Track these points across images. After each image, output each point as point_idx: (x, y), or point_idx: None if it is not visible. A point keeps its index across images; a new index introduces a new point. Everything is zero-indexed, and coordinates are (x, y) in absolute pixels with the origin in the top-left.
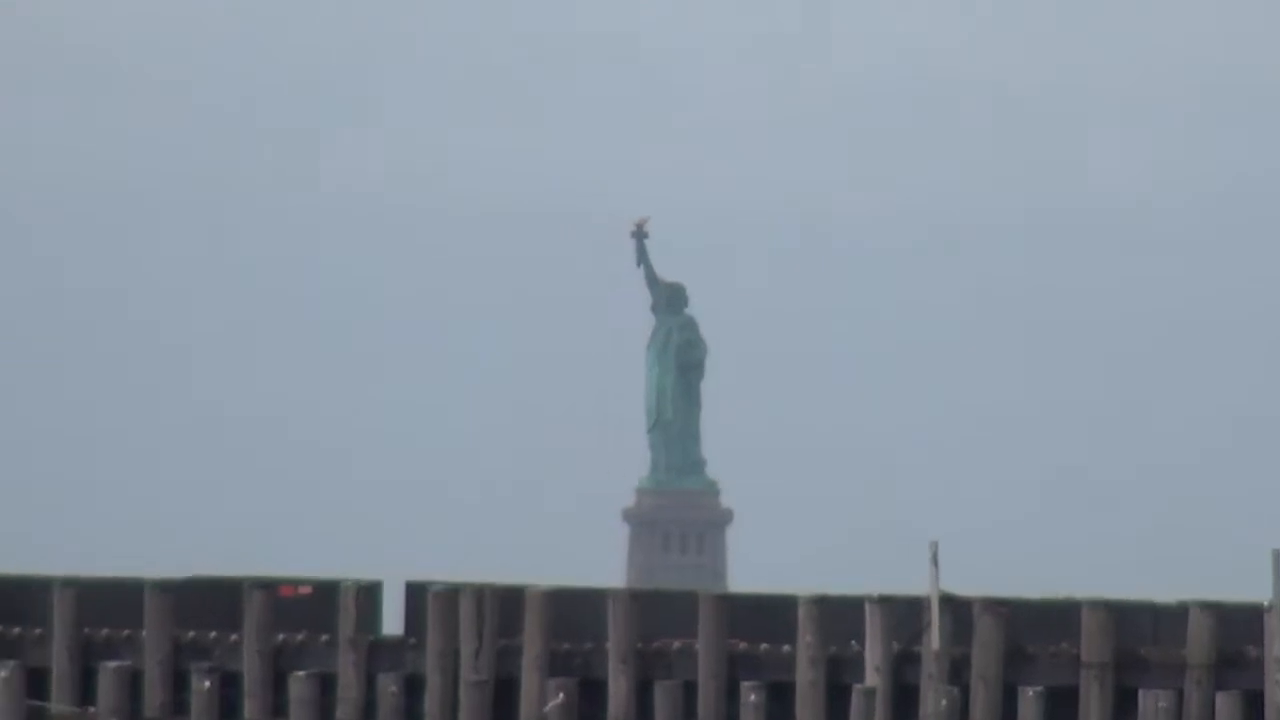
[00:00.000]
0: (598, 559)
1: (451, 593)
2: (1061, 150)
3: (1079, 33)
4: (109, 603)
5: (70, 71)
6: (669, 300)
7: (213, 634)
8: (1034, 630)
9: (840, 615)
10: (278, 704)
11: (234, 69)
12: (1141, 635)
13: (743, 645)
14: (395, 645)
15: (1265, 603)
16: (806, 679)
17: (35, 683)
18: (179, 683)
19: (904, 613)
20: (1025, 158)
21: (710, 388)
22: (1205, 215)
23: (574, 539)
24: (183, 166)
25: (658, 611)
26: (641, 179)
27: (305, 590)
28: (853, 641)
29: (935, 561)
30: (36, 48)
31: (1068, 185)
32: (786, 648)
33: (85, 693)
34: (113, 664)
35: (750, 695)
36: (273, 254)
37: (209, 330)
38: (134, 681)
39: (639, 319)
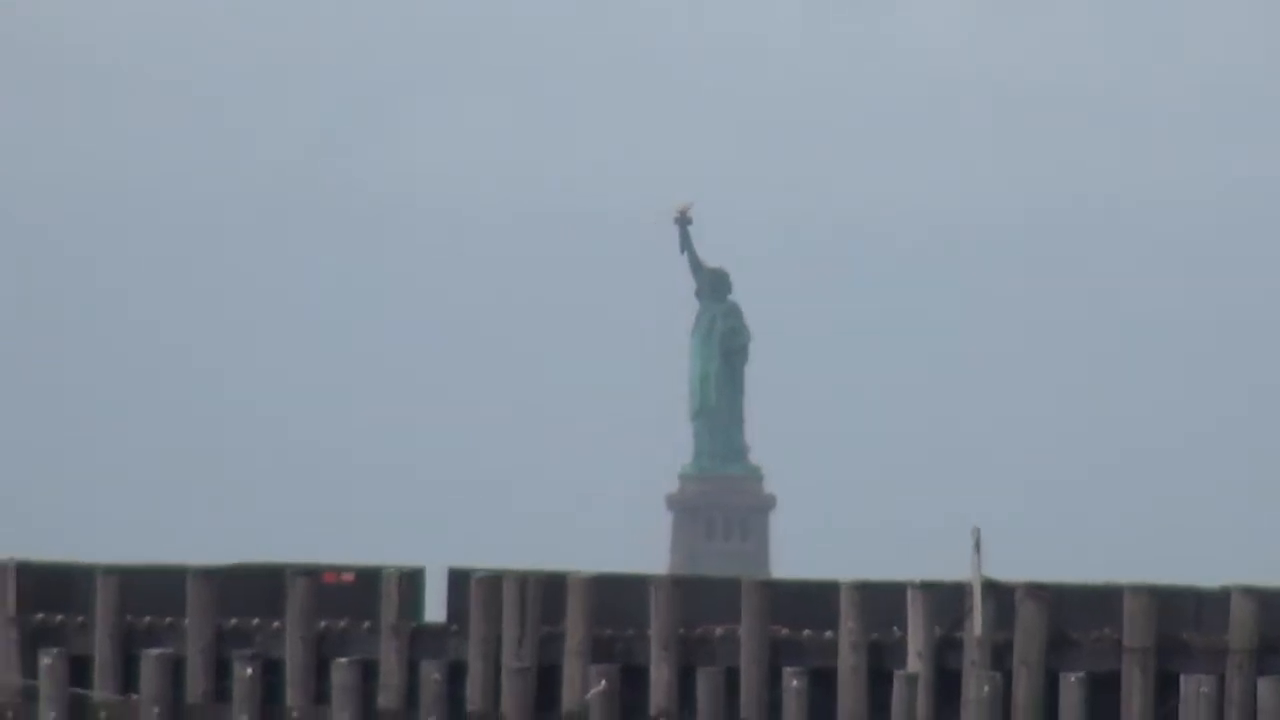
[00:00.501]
0: (641, 545)
1: (494, 579)
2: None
3: (1086, 31)
4: (151, 590)
5: (70, 72)
6: (713, 286)
7: (255, 621)
8: (1076, 615)
9: (882, 601)
10: (320, 691)
11: (237, 70)
12: (1184, 620)
13: (785, 631)
14: (438, 632)
15: None
16: (849, 665)
17: (78, 670)
18: (221, 670)
19: (946, 598)
20: (1070, 152)
21: (754, 374)
22: (1210, 216)
23: (618, 525)
24: (182, 167)
25: (700, 598)
26: (684, 167)
27: (348, 577)
28: (895, 627)
29: (977, 547)
30: (36, 48)
31: (1115, 176)
32: (829, 634)
33: (127, 680)
34: (155, 651)
35: (792, 681)
36: (308, 244)
37: (249, 323)
38: (176, 669)
39: (683, 305)
